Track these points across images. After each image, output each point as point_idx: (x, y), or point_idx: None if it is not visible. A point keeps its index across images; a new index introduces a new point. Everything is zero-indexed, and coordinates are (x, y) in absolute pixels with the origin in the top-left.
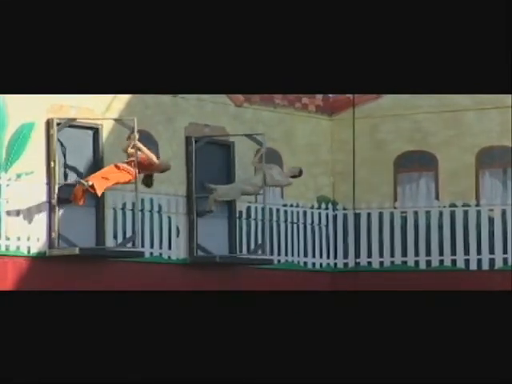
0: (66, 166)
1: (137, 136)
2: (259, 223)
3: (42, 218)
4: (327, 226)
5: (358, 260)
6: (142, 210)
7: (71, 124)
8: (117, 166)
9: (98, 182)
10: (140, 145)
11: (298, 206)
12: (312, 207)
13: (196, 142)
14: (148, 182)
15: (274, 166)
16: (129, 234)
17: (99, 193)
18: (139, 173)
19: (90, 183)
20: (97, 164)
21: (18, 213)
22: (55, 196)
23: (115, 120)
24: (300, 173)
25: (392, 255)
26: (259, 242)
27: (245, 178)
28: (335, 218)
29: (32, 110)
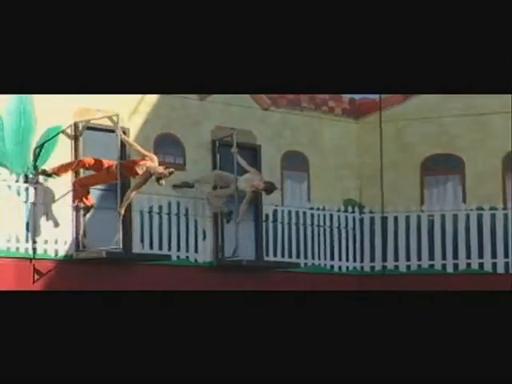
0: None
1: (121, 132)
2: (286, 226)
3: (69, 221)
4: (354, 229)
5: (384, 263)
6: (168, 214)
7: (97, 127)
8: (103, 169)
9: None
10: (128, 140)
11: (324, 209)
12: (339, 210)
13: (221, 144)
14: (158, 180)
15: (255, 172)
16: (155, 237)
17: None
18: (122, 176)
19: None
20: None
21: (45, 216)
22: (82, 199)
23: (108, 117)
24: (269, 191)
25: (419, 258)
26: (285, 245)
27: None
28: (362, 221)
29: (59, 113)
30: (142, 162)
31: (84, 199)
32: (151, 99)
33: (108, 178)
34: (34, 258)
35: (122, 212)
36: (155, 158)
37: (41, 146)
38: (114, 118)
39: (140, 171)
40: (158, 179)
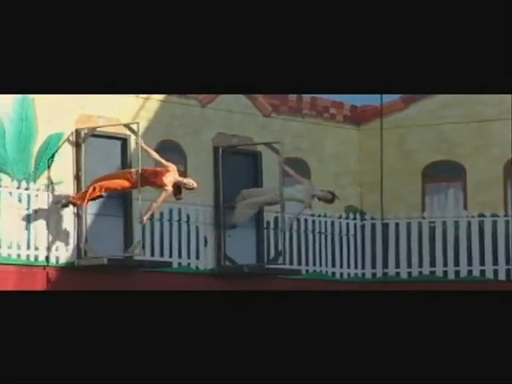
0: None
1: (141, 141)
2: (287, 233)
3: (70, 228)
4: (355, 236)
5: (386, 270)
6: (169, 220)
7: (100, 134)
8: (124, 173)
9: (78, 197)
10: (149, 149)
11: (325, 216)
12: (340, 217)
13: (223, 151)
14: (176, 193)
15: (308, 182)
16: (157, 244)
17: (84, 204)
18: (145, 184)
19: (65, 202)
20: None
21: (47, 223)
22: (84, 206)
23: (124, 125)
24: (331, 200)
25: (420, 265)
26: (287, 252)
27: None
28: (363, 228)
29: (60, 120)
30: (167, 173)
31: (85, 198)
32: (152, 106)
33: (128, 184)
34: (35, 265)
35: (145, 221)
36: (175, 167)
37: (52, 156)
38: (134, 126)
39: (169, 183)
40: (179, 192)
